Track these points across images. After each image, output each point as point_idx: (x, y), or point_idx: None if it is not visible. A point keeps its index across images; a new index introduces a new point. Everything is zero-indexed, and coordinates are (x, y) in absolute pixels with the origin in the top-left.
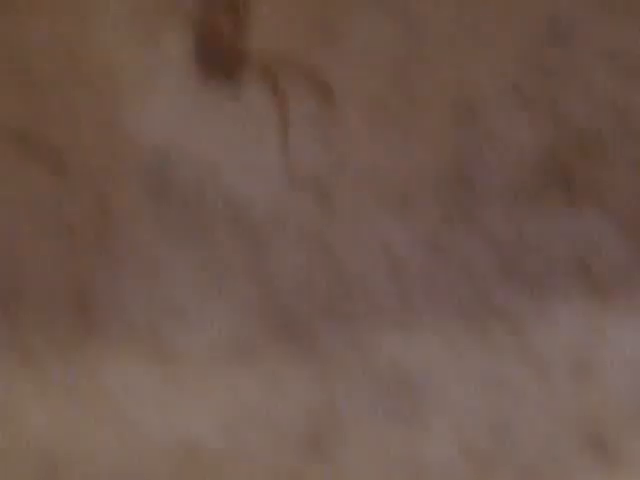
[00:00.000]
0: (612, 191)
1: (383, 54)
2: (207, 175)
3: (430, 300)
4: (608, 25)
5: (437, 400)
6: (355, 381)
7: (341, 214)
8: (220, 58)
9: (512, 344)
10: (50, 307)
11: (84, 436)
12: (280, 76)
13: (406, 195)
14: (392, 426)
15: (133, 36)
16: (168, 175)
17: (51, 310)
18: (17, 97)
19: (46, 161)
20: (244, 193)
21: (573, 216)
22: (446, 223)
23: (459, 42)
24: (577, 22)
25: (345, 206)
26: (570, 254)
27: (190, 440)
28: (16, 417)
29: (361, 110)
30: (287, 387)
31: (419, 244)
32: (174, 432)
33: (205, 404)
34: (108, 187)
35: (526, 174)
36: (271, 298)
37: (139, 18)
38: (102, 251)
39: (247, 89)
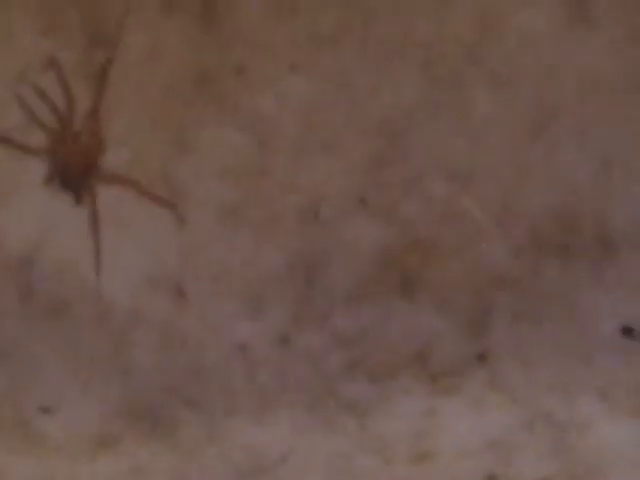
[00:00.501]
0: (447, 289)
1: (235, 164)
2: (70, 275)
3: (283, 394)
4: (436, 136)
5: None
6: (213, 469)
7: (196, 311)
8: (75, 170)
9: (357, 432)
10: None
11: None
12: (135, 183)
13: (258, 294)
14: None
15: None
16: (34, 277)
17: None
18: None
19: None
20: (104, 290)
21: (412, 312)
22: (296, 321)
23: (307, 155)
24: (411, 135)
25: (199, 304)
26: (410, 347)
27: None
28: None
29: (213, 215)
30: (148, 478)
31: (271, 342)
32: None
33: None
34: None
35: (368, 274)
36: (133, 391)
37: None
38: None
39: (101, 196)
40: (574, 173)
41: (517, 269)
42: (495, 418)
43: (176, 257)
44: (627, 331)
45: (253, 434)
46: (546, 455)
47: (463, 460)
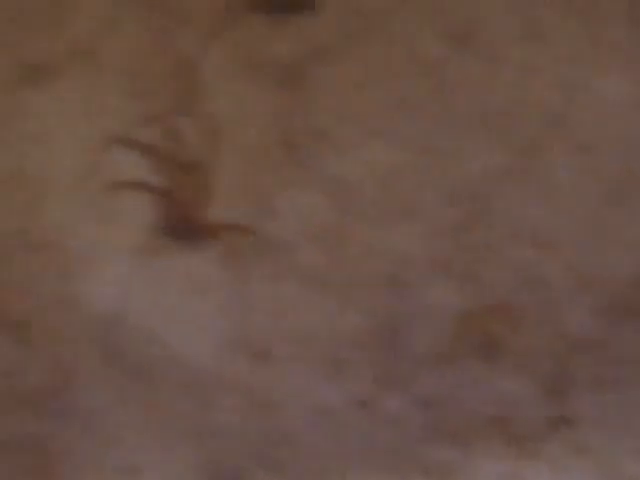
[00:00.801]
0: (528, 353)
1: (318, 229)
2: (154, 339)
3: (367, 457)
4: (517, 202)
5: None
6: None
7: (279, 375)
8: (179, 227)
9: None
10: (8, 465)
11: None
12: (229, 241)
13: (341, 358)
14: None
15: (88, 212)
16: (119, 340)
17: (9, 468)
18: None
19: (9, 331)
20: (187, 353)
21: (493, 376)
22: (378, 384)
23: (389, 220)
24: (492, 200)
25: (283, 367)
26: (491, 410)
27: None
28: None
29: (298, 279)
30: None
31: (354, 405)
32: None
33: None
34: (65, 352)
35: (449, 337)
36: (215, 454)
37: (97, 195)
38: (61, 412)
39: (197, 253)
40: None
41: (598, 333)
42: None
43: (260, 321)
44: None
45: None
46: None
47: None
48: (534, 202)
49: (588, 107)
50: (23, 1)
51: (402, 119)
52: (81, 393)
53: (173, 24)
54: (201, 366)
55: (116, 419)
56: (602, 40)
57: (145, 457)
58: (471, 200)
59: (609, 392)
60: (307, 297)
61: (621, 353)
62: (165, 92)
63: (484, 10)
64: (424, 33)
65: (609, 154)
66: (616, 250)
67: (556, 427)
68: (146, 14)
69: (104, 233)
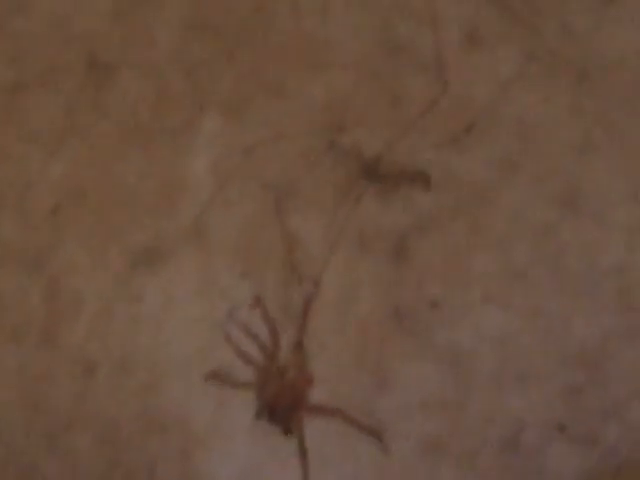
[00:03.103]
0: None
1: (434, 398)
2: None
3: None
4: (632, 361)
5: None
6: None
7: None
8: (283, 403)
9: None
10: None
11: None
12: (341, 412)
13: None
14: None
15: (203, 394)
16: None
17: None
18: (103, 451)
19: None
20: None
21: None
22: None
23: (505, 385)
24: (606, 361)
25: None
26: None
27: None
28: None
29: (415, 449)
30: None
31: None
32: None
33: None
34: None
35: None
36: None
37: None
38: None
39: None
40: None
41: None
42: None
43: None
44: None
45: None
46: None
47: None
48: None
49: None
50: (131, 185)
51: (512, 285)
52: None
53: (282, 197)
54: None
55: None
56: None
57: None
58: (586, 363)
59: None
60: (424, 467)
61: None
62: (274, 269)
63: (589, 173)
64: (532, 199)
65: None
66: None
67: None
68: (254, 188)
69: (221, 413)
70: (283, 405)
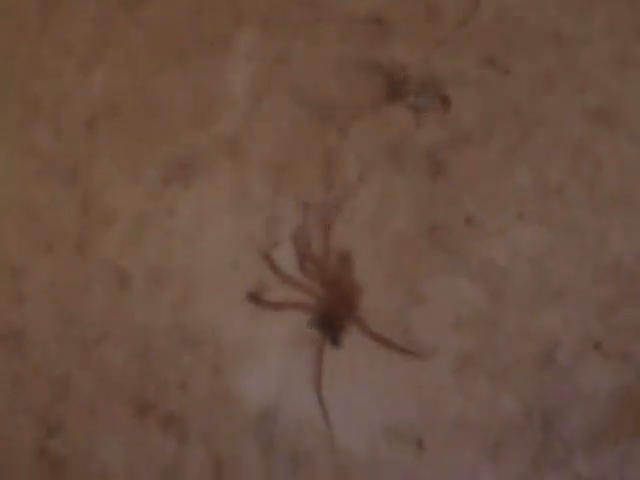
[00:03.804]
0: None
1: (468, 314)
2: (308, 429)
3: None
4: None
5: None
6: None
7: (435, 460)
8: (331, 325)
9: None
10: None
11: None
12: (377, 335)
13: (496, 442)
14: None
15: (237, 308)
16: (275, 433)
17: None
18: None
19: (166, 427)
20: (342, 442)
21: None
22: (536, 467)
23: (539, 302)
24: None
25: (438, 453)
26: None
27: None
28: None
29: (449, 365)
30: None
31: None
32: None
33: None
34: (222, 445)
35: (606, 417)
36: None
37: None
38: None
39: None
40: None
41: None
42: None
43: (413, 407)
44: None
45: None
46: None
47: None
48: None
49: None
50: (166, 98)
51: (547, 201)
52: None
53: (315, 114)
54: (356, 454)
55: None
56: None
57: None
58: (622, 279)
59: None
60: (459, 383)
61: None
62: (310, 184)
63: (627, 88)
64: (568, 115)
65: None
66: None
67: None
68: (289, 105)
69: (255, 327)
70: (337, 314)
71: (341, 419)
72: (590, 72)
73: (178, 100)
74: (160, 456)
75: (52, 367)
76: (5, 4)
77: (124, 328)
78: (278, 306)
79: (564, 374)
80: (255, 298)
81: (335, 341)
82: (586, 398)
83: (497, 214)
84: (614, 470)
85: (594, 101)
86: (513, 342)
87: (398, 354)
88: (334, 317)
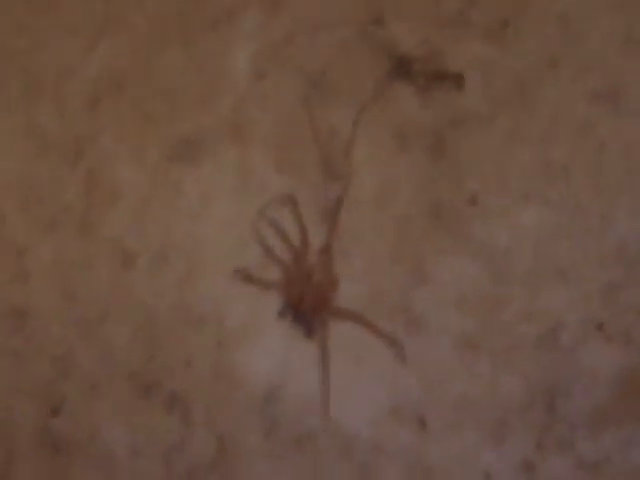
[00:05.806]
0: None
1: (471, 294)
2: (312, 408)
3: None
4: None
5: None
6: None
7: (438, 441)
8: (308, 305)
9: None
10: None
11: None
12: (360, 317)
13: (500, 422)
14: None
15: (240, 286)
16: (278, 411)
17: None
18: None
19: (170, 406)
20: (345, 421)
21: None
22: (539, 448)
23: (543, 283)
24: None
25: (441, 433)
26: None
27: None
28: None
29: (452, 345)
30: None
31: (514, 468)
32: None
33: None
34: (226, 426)
35: (608, 398)
36: None
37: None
38: None
39: (340, 330)
40: None
41: None
42: None
43: (416, 387)
44: None
45: None
46: None
47: None
48: None
49: None
50: (170, 77)
51: (551, 182)
52: (240, 466)
53: (318, 94)
54: (359, 434)
55: None
56: None
57: None
58: (625, 261)
59: None
60: (461, 363)
61: None
62: (312, 165)
63: (631, 67)
64: (572, 95)
65: None
66: None
67: None
68: (293, 83)
69: (259, 306)
70: (307, 306)
71: (344, 399)
72: (595, 53)
73: (183, 79)
74: (164, 436)
75: (55, 346)
76: None
77: (128, 307)
78: (261, 283)
79: (567, 355)
80: (242, 274)
81: (307, 332)
82: (589, 379)
83: (501, 194)
84: (618, 452)
85: (598, 82)
86: (516, 322)
87: (381, 340)
88: (304, 309)
